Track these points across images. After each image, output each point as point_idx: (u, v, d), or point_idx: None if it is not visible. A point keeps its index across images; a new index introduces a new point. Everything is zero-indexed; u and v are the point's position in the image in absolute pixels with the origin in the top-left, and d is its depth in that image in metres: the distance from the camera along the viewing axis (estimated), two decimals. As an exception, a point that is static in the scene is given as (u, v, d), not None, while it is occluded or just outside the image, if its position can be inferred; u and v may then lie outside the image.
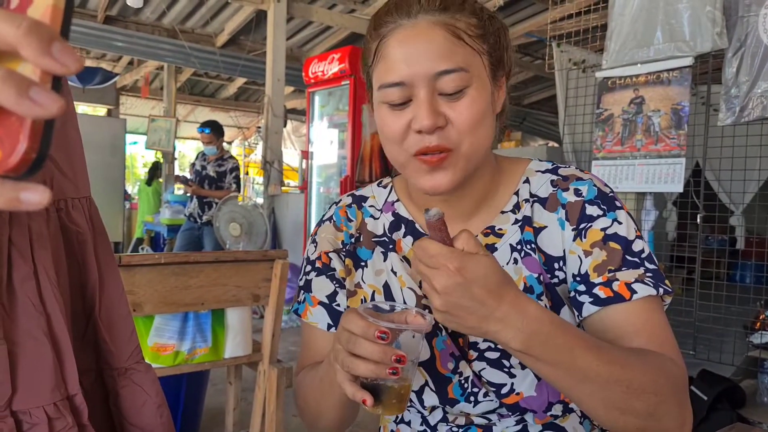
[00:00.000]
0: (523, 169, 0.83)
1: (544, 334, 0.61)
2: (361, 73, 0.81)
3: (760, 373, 2.86)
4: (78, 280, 0.66)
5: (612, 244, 0.74)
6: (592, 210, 0.76)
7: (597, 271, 0.73)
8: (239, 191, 5.05)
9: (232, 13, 6.59)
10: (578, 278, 0.75)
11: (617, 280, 0.72)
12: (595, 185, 0.78)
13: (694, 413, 2.55)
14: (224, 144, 5.08)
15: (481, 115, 0.72)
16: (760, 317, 2.96)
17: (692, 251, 3.04)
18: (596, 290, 0.72)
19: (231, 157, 5.05)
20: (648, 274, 0.72)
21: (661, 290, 0.72)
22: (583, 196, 0.78)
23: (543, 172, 0.82)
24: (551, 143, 9.81)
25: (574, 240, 0.76)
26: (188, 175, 5.14)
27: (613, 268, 0.72)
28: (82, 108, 10.18)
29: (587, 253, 0.74)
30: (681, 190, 2.44)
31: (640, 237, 0.75)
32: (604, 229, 0.75)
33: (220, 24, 6.91)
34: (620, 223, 0.75)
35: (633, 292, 0.71)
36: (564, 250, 0.77)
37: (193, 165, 5.04)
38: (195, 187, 4.84)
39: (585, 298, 0.73)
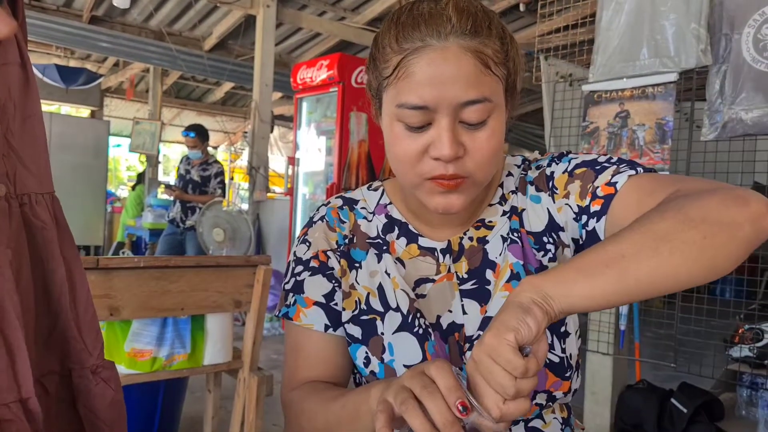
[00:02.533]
0: (502, 165, 0.87)
1: (538, 277, 0.59)
2: (368, 75, 0.78)
3: (739, 386, 2.88)
4: (42, 278, 0.64)
5: (578, 171, 0.77)
6: (550, 169, 0.81)
7: (582, 197, 0.76)
8: (224, 196, 5.00)
9: (220, 17, 6.55)
10: (577, 217, 0.76)
11: (598, 187, 0.74)
12: (553, 156, 0.84)
13: (674, 426, 2.53)
14: (209, 149, 5.04)
15: (498, 145, 0.72)
16: (740, 331, 2.99)
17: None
18: (592, 209, 0.74)
19: (216, 161, 5.01)
20: (622, 166, 0.74)
21: (640, 169, 0.73)
22: (543, 166, 0.83)
23: (519, 166, 0.86)
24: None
25: (554, 201, 0.79)
26: (172, 181, 5.09)
27: (590, 183, 0.75)
28: (65, 109, 10.06)
29: (567, 195, 0.77)
30: (664, 203, 2.46)
31: (602, 154, 0.79)
32: (565, 171, 0.79)
33: (209, 27, 6.87)
34: (576, 158, 0.80)
35: (615, 184, 0.72)
36: (551, 216, 0.79)
37: (178, 169, 4.99)
38: (179, 192, 4.78)
39: (592, 223, 0.74)
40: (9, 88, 0.62)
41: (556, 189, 0.79)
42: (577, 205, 0.76)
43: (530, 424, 0.78)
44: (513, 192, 0.84)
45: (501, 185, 0.84)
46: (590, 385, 2.85)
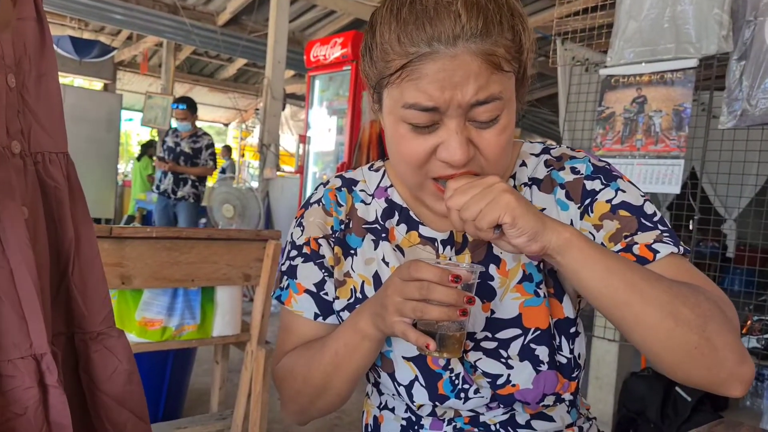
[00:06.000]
0: (517, 152, 0.82)
1: (581, 238, 0.66)
2: (363, 62, 0.74)
3: (745, 378, 2.87)
4: (53, 238, 0.63)
5: (622, 212, 0.73)
6: (592, 185, 0.76)
7: (613, 240, 0.72)
8: (216, 167, 5.08)
9: (235, -9, 6.51)
10: None
11: (636, 243, 0.71)
12: (591, 161, 0.78)
13: (678, 414, 2.53)
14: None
15: (508, 140, 0.70)
16: (748, 322, 2.98)
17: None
18: None
19: (205, 133, 5.05)
20: (665, 234, 0.72)
21: (681, 248, 0.71)
22: (581, 174, 0.77)
23: (537, 155, 0.81)
24: (549, 141, 9.79)
25: (581, 218, 0.75)
26: (159, 153, 5.12)
27: (629, 234, 0.72)
28: (78, 81, 10.07)
29: (598, 227, 0.74)
30: (678, 191, 2.43)
31: (648, 200, 0.75)
32: (609, 201, 0.74)
33: (223, 2, 6.82)
34: (624, 191, 0.75)
35: (655, 252, 0.70)
36: None
37: (163, 142, 5.02)
38: (171, 164, 4.82)
39: None
40: (24, 43, 0.61)
41: (591, 212, 0.74)
42: (602, 243, 0.72)
43: (541, 403, 0.77)
44: (527, 185, 0.79)
45: (513, 176, 0.80)
46: (595, 371, 2.86)
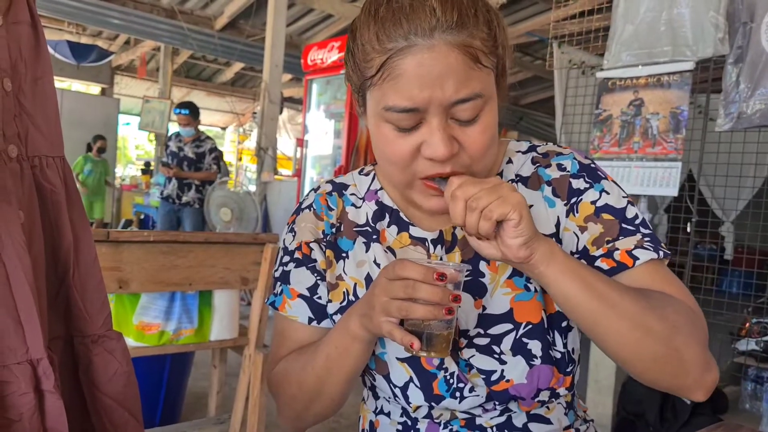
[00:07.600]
0: (503, 150, 0.83)
1: (561, 251, 0.68)
2: (347, 68, 0.74)
3: (744, 380, 2.88)
4: (51, 242, 0.63)
5: (605, 216, 0.74)
6: (578, 184, 0.77)
7: (596, 244, 0.73)
8: (220, 171, 5.04)
9: (232, -4, 6.52)
10: (577, 255, 0.74)
11: (617, 249, 0.72)
12: (576, 159, 0.79)
13: (677, 417, 2.52)
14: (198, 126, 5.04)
15: (492, 137, 0.70)
16: (746, 325, 2.98)
17: (682, 257, 3.05)
18: (598, 263, 0.72)
19: (208, 137, 5.04)
20: (646, 239, 0.73)
21: (661, 253, 0.72)
22: (567, 171, 0.78)
23: (524, 152, 0.82)
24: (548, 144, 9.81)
25: (567, 216, 0.76)
26: (163, 158, 5.09)
27: (611, 239, 0.73)
28: (75, 86, 10.07)
29: (582, 229, 0.75)
30: (676, 194, 2.44)
31: (630, 202, 0.76)
32: (594, 202, 0.75)
33: (220, 7, 6.83)
34: (608, 193, 0.76)
35: (635, 258, 0.71)
36: (558, 226, 0.76)
37: (166, 147, 5.00)
38: (176, 170, 4.81)
39: None
40: (20, 47, 0.61)
41: (576, 212, 0.75)
42: (585, 246, 0.73)
43: (533, 412, 0.77)
44: (514, 182, 0.79)
45: (500, 174, 0.80)
46: (593, 373, 2.85)
